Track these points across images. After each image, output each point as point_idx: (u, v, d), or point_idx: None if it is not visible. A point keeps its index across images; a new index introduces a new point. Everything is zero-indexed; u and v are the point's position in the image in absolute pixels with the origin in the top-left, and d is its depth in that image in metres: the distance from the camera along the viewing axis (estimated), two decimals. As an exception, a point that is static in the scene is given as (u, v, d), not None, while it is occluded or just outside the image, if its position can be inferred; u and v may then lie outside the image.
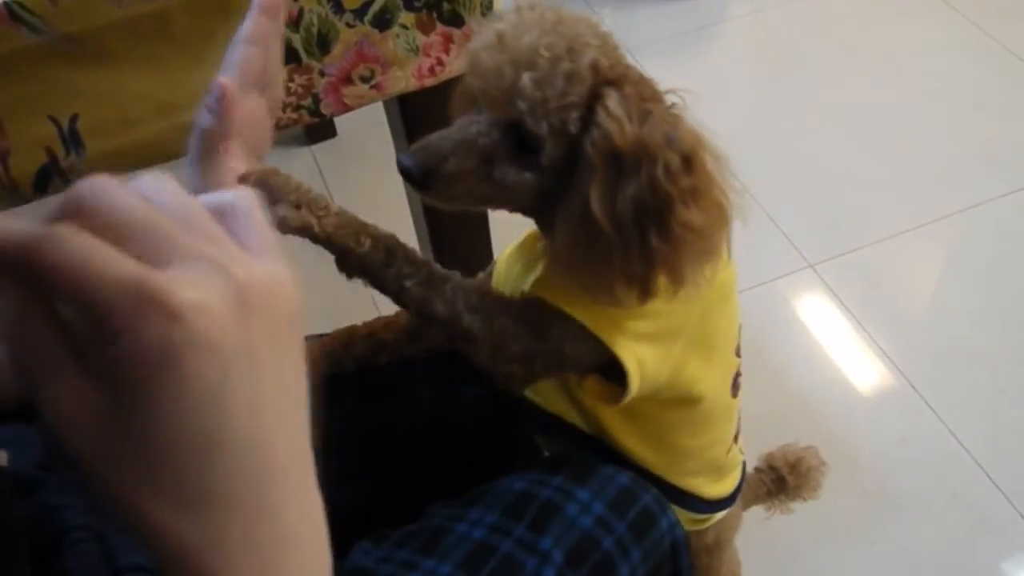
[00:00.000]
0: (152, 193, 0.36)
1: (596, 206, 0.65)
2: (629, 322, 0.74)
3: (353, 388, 0.85)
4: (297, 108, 0.90)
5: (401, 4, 0.88)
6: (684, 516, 0.92)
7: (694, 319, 0.79)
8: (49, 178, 0.84)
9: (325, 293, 1.77)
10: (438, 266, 0.75)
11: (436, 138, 0.69)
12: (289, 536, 0.36)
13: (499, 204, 0.73)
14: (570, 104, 0.66)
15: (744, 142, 2.06)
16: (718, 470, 0.93)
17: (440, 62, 0.93)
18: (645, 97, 0.67)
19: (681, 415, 0.84)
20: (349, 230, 0.74)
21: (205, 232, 0.36)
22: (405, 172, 0.69)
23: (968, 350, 1.65)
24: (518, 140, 0.67)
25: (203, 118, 0.64)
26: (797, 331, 1.70)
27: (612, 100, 0.65)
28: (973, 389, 1.59)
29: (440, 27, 0.91)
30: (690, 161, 0.65)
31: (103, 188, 0.33)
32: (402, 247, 0.75)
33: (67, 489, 0.74)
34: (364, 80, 0.91)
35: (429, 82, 0.94)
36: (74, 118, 0.82)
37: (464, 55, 0.70)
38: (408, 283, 0.74)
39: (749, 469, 1.15)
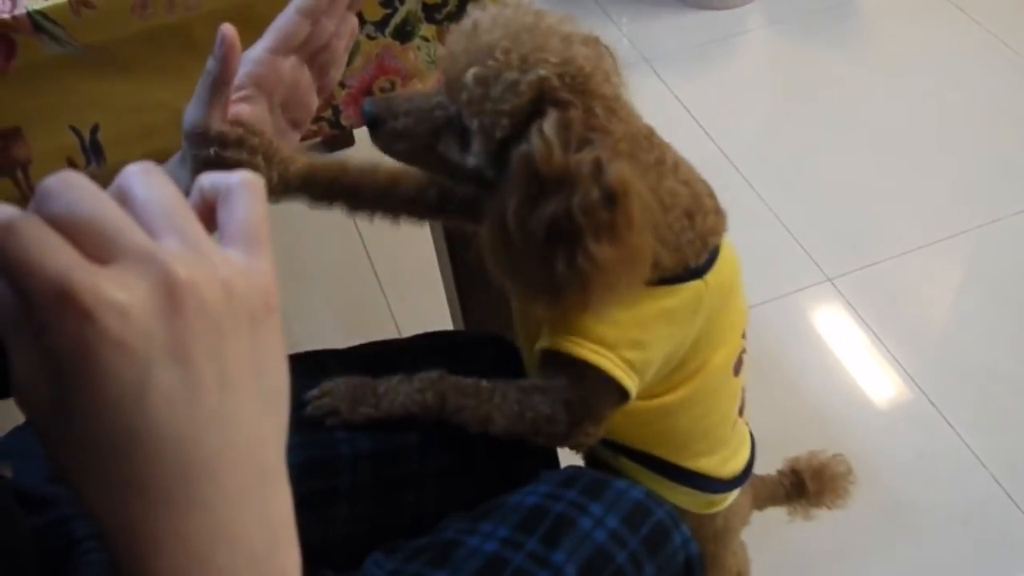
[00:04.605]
0: (129, 184, 0.37)
1: (511, 218, 0.67)
2: (627, 352, 0.76)
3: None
4: (318, 120, 0.90)
5: (422, 16, 0.88)
6: (698, 500, 0.92)
7: (696, 331, 0.80)
8: (70, 187, 0.84)
9: (342, 308, 1.78)
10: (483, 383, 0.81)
11: (401, 97, 0.74)
12: (226, 532, 0.36)
13: (444, 176, 0.78)
14: (501, 111, 0.67)
15: (762, 154, 2.05)
16: (726, 446, 0.93)
17: (459, 74, 0.93)
18: (593, 126, 0.67)
19: (680, 400, 0.85)
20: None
21: (169, 225, 0.36)
22: (361, 113, 0.74)
23: (987, 365, 1.64)
24: (463, 126, 0.70)
25: (210, 62, 0.68)
26: (815, 345, 1.70)
27: (549, 122, 0.66)
28: (991, 404, 1.58)
29: (460, 39, 0.91)
30: (613, 199, 0.65)
31: (65, 182, 0.35)
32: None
33: (78, 500, 0.75)
34: (385, 92, 0.91)
35: (448, 94, 0.94)
36: (95, 128, 0.82)
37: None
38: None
39: (772, 471, 1.14)
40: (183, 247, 0.36)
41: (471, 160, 0.71)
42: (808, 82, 2.26)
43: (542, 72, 0.66)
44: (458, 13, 0.89)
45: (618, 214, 0.66)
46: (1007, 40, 2.29)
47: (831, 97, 2.20)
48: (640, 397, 0.80)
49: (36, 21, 0.74)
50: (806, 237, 1.85)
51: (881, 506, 1.45)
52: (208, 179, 0.40)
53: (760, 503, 1.11)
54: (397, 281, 1.83)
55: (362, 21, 0.86)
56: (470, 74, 0.67)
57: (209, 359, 0.35)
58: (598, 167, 0.65)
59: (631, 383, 0.77)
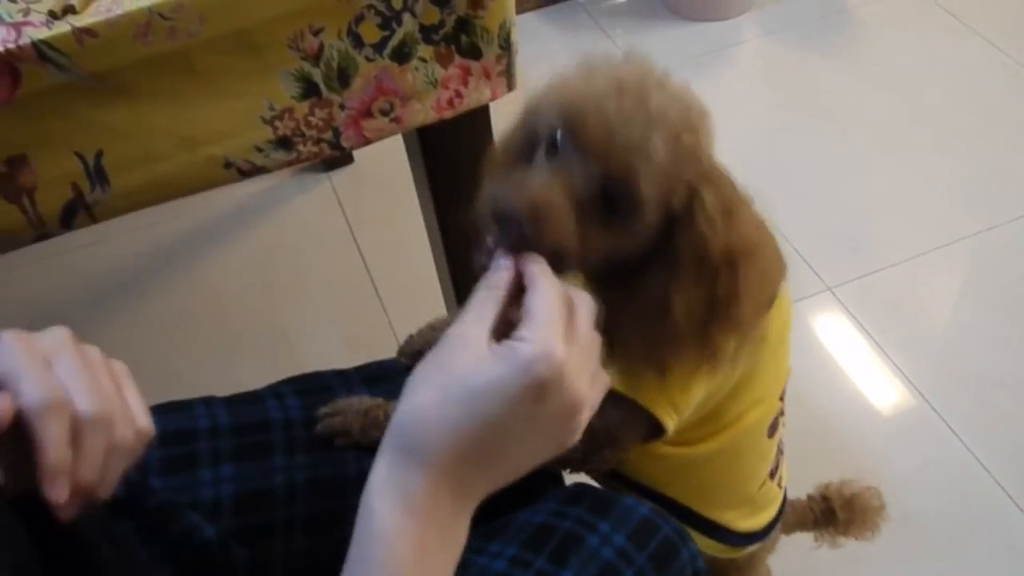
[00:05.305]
0: (577, 302, 0.57)
1: (677, 304, 0.66)
2: (675, 395, 0.77)
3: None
4: (318, 141, 0.91)
5: (420, 38, 0.89)
6: (714, 545, 0.92)
7: (736, 377, 0.81)
8: (75, 213, 0.85)
9: (344, 326, 1.78)
10: None
11: (537, 179, 0.63)
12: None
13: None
14: (681, 180, 0.64)
15: (759, 164, 2.06)
16: (751, 504, 0.93)
17: (459, 94, 0.94)
18: (730, 195, 0.67)
19: (709, 453, 0.85)
20: None
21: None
22: (512, 216, 0.61)
23: (988, 370, 1.64)
24: (607, 197, 0.63)
25: None
26: (816, 354, 1.70)
27: (709, 200, 0.64)
28: (994, 411, 1.58)
29: (458, 60, 0.92)
30: (755, 258, 0.67)
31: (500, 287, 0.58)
32: None
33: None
34: (384, 113, 0.92)
35: (448, 114, 0.95)
36: (99, 154, 0.83)
37: (563, 92, 0.65)
38: None
39: (801, 495, 1.14)
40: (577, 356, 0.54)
41: (611, 239, 0.65)
42: (804, 91, 2.27)
43: (704, 140, 0.65)
44: (455, 34, 0.90)
45: (757, 270, 0.68)
46: (1003, 47, 2.31)
47: (827, 106, 2.21)
48: (671, 442, 0.80)
49: (41, 50, 0.74)
50: (805, 247, 1.86)
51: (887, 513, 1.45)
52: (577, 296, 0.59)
53: (788, 528, 1.10)
54: (398, 299, 1.83)
55: (361, 43, 0.87)
56: (658, 140, 0.61)
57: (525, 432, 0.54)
58: (749, 238, 0.67)
59: (671, 423, 0.77)
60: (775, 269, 0.71)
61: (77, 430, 0.51)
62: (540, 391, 0.51)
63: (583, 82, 0.65)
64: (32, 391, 0.50)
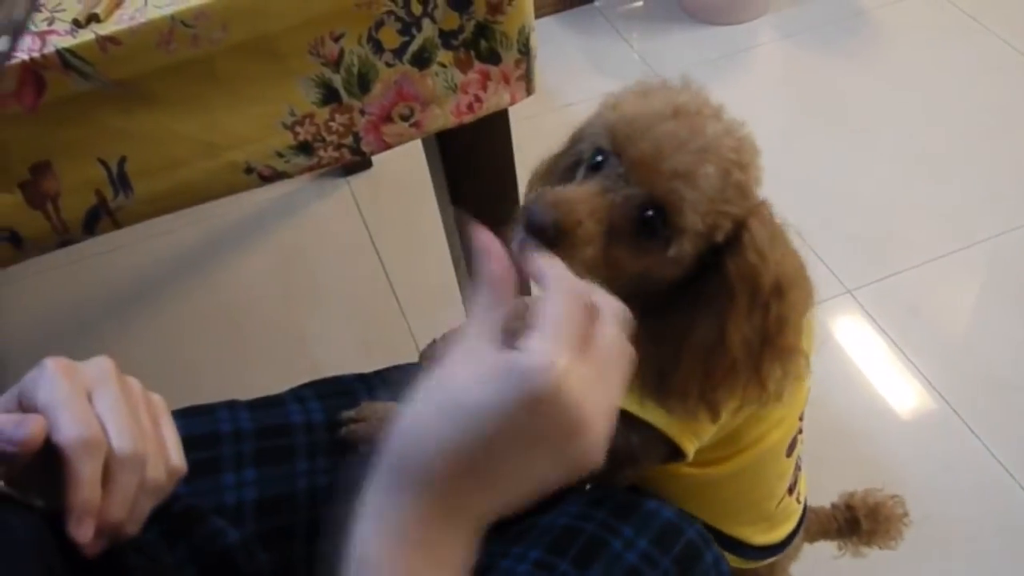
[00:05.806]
0: (602, 307, 0.52)
1: (734, 339, 0.65)
2: (694, 422, 0.76)
3: None
4: (338, 147, 0.91)
5: (439, 43, 0.89)
6: (734, 559, 0.92)
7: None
8: (98, 219, 0.86)
9: (362, 330, 1.79)
10: None
11: (571, 195, 0.61)
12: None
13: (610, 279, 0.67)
14: (727, 213, 0.63)
15: (777, 167, 2.05)
16: (769, 520, 0.93)
17: (478, 99, 0.94)
18: (773, 225, 0.67)
19: (729, 473, 0.85)
20: None
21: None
22: (539, 227, 0.59)
23: (1010, 374, 1.63)
24: (644, 221, 0.62)
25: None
26: (836, 356, 1.69)
27: (759, 232, 0.64)
28: (1015, 413, 1.57)
29: (478, 65, 0.92)
30: (800, 285, 0.68)
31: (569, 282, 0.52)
32: None
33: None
34: (404, 118, 0.92)
35: (467, 119, 0.95)
36: (122, 160, 0.84)
37: (615, 111, 0.64)
38: None
39: (820, 499, 1.13)
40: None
41: (643, 261, 0.64)
42: (821, 94, 2.26)
43: (755, 176, 0.65)
44: (474, 40, 0.90)
45: (798, 295, 0.68)
46: (1020, 47, 2.29)
47: (844, 109, 2.20)
48: (690, 463, 0.80)
49: (65, 59, 0.75)
50: (824, 249, 1.85)
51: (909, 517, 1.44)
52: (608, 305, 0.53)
53: (811, 536, 1.10)
54: (417, 303, 1.83)
55: (381, 48, 0.87)
56: (711, 170, 0.61)
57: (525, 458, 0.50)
58: (797, 267, 0.67)
59: (691, 448, 0.77)
60: (812, 292, 0.70)
61: (110, 467, 0.51)
62: (534, 405, 0.47)
63: (638, 103, 0.64)
64: (70, 427, 0.51)
